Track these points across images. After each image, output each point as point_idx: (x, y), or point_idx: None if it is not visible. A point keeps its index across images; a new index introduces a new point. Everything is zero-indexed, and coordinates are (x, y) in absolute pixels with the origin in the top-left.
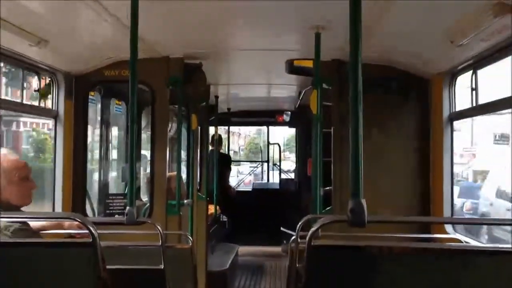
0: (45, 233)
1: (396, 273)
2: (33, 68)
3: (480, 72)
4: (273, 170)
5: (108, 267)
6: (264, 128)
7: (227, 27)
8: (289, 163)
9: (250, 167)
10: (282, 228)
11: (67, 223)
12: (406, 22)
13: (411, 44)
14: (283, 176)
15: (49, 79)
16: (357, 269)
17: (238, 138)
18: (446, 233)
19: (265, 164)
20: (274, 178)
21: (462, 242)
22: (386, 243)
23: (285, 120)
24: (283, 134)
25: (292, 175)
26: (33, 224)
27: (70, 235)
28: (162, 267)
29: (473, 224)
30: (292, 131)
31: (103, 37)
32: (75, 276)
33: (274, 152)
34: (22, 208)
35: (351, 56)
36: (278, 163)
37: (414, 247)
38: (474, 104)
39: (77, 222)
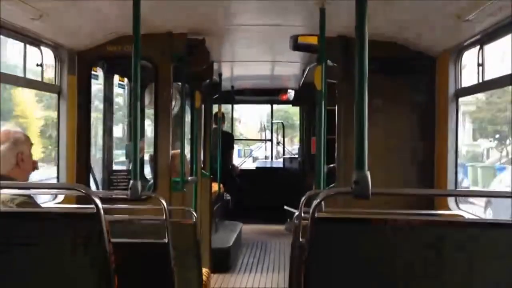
0: (49, 207)
1: (400, 246)
2: (35, 42)
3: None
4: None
5: (112, 240)
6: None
7: (231, 2)
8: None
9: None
10: (285, 207)
11: None
12: None
13: (417, 20)
14: (287, 155)
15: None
16: (361, 241)
17: None
18: (449, 209)
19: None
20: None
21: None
22: (390, 216)
23: (288, 99)
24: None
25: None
26: None
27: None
28: (166, 241)
29: (474, 196)
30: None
31: (106, 11)
32: (79, 248)
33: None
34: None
35: (357, 31)
36: (281, 142)
37: (418, 220)
38: (481, 80)
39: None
